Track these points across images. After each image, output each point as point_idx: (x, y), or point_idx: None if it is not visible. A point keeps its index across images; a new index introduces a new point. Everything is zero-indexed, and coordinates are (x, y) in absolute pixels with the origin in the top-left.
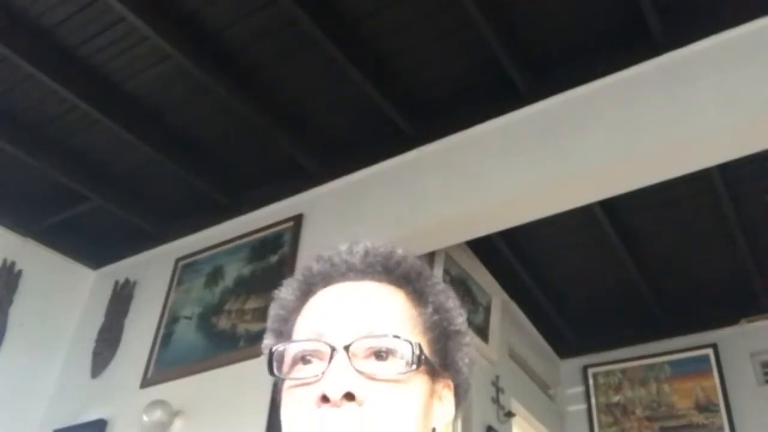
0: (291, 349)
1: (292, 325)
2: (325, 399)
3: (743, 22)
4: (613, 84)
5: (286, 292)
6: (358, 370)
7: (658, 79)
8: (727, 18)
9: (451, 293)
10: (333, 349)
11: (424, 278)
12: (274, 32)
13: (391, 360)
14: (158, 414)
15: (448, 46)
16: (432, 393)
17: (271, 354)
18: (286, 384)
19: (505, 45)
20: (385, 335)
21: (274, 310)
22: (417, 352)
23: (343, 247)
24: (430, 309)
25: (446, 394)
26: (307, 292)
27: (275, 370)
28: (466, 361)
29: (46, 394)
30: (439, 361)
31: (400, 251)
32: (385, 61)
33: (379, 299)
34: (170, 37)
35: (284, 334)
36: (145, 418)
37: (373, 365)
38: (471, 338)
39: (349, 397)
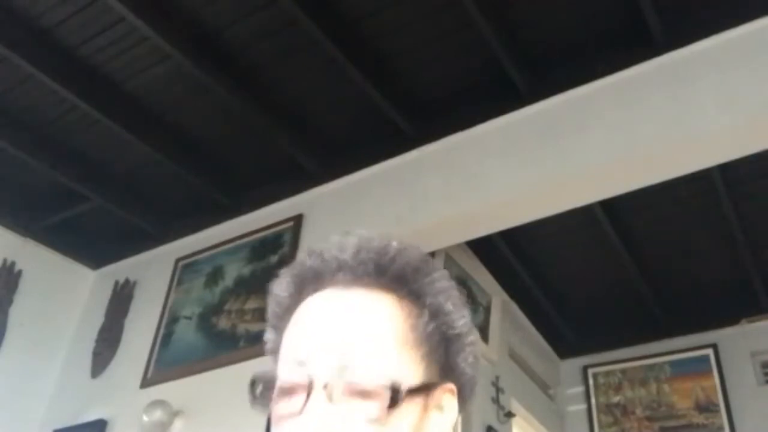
0: (272, 379)
1: (286, 323)
2: None
3: (743, 22)
4: (613, 84)
5: (279, 287)
6: (335, 411)
7: (658, 79)
8: (727, 18)
9: (453, 292)
10: (311, 386)
11: (422, 275)
12: (274, 32)
13: (374, 399)
14: (158, 414)
15: (448, 46)
16: (426, 409)
17: (252, 386)
18: (272, 414)
19: (505, 45)
20: (363, 377)
21: (270, 306)
22: (396, 394)
23: (335, 240)
24: (425, 317)
25: (447, 400)
26: (299, 290)
27: (258, 396)
28: (470, 360)
29: (46, 394)
30: (438, 369)
31: (395, 244)
32: (385, 61)
33: (365, 319)
34: (170, 37)
35: (280, 329)
36: (145, 418)
37: (352, 404)
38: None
39: None
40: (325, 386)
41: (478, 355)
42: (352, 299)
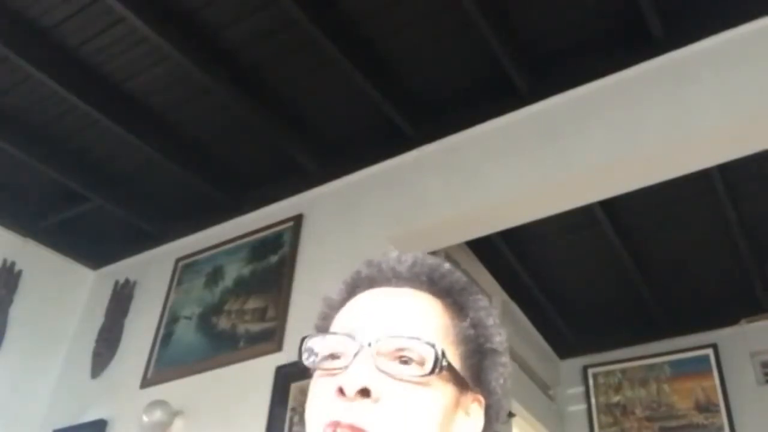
0: (323, 342)
1: (330, 323)
2: (341, 392)
3: (743, 22)
4: (613, 84)
5: (333, 291)
6: (379, 368)
7: (658, 79)
8: (727, 18)
9: (494, 312)
10: (359, 346)
11: (467, 293)
12: (274, 32)
13: (414, 365)
14: (158, 414)
15: (448, 46)
16: (457, 404)
17: (302, 343)
18: (315, 373)
19: (505, 45)
20: (410, 337)
21: (320, 308)
22: (440, 357)
23: (393, 255)
24: (467, 323)
25: (475, 409)
26: (351, 293)
27: (306, 359)
28: (501, 382)
29: (46, 394)
30: (471, 376)
31: (447, 265)
32: (385, 61)
33: (414, 305)
34: (170, 37)
35: (324, 330)
36: (145, 418)
37: (396, 366)
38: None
39: (365, 393)
40: (372, 346)
41: (508, 379)
42: (401, 293)
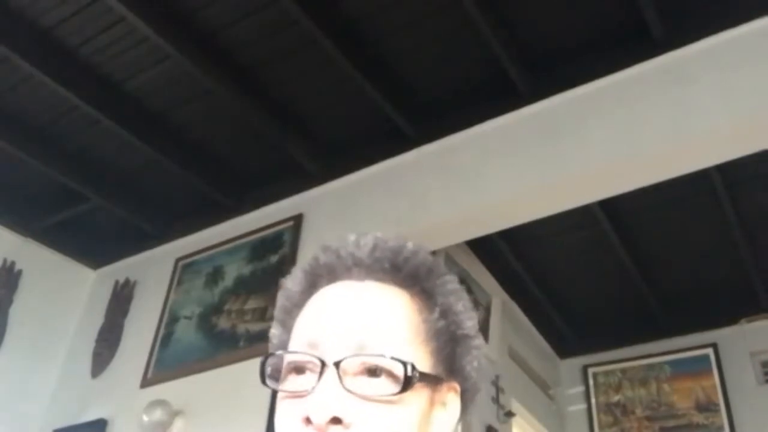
0: (285, 359)
1: (295, 318)
2: (309, 421)
3: (743, 22)
4: (613, 84)
5: (292, 282)
6: (347, 389)
7: (658, 79)
8: (727, 18)
9: (463, 294)
10: (323, 365)
11: (434, 276)
12: (274, 32)
13: (383, 378)
14: (158, 414)
15: (448, 46)
16: (432, 403)
17: (264, 363)
18: (279, 395)
19: (505, 45)
20: (377, 354)
21: (280, 300)
22: (410, 373)
23: (351, 239)
24: (436, 314)
25: (451, 398)
26: (312, 284)
27: (267, 379)
28: (475, 365)
29: (46, 394)
30: (445, 367)
31: (410, 245)
32: (385, 61)
33: (379, 307)
34: (170, 37)
35: (287, 326)
36: (145, 418)
37: (365, 383)
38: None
39: (336, 421)
40: (338, 365)
41: (482, 360)
42: (366, 289)
